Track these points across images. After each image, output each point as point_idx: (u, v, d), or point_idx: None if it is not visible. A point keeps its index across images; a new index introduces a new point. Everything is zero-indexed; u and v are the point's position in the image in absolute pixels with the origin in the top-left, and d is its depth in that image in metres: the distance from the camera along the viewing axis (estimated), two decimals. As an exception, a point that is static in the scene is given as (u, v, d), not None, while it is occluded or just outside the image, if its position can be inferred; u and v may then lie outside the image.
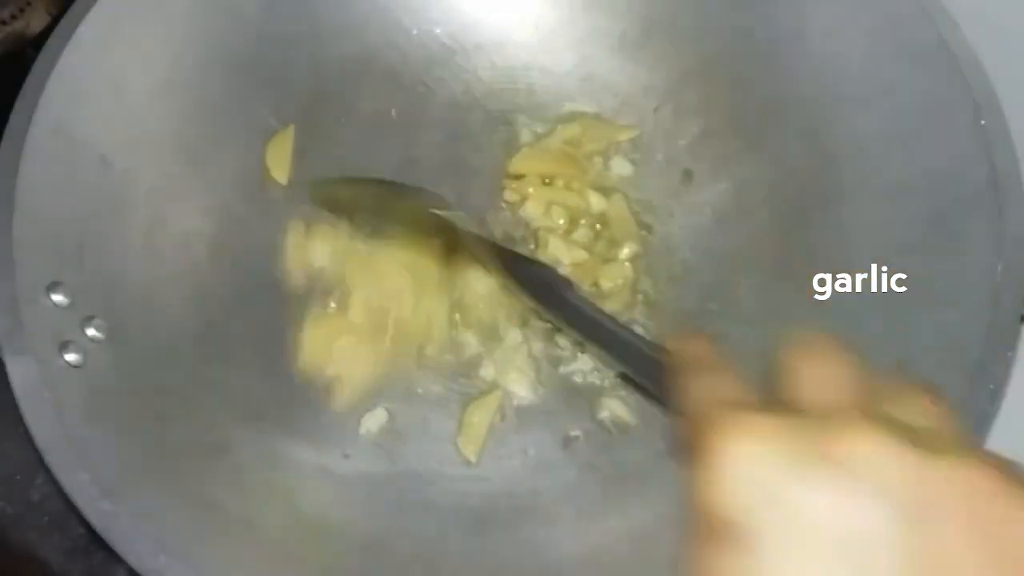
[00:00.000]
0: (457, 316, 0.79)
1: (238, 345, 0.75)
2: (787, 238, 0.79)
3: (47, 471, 0.59)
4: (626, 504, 0.71)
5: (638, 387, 0.60)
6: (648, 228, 0.83)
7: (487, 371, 0.78)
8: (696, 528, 0.38)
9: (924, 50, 0.70)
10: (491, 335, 0.79)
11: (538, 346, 0.79)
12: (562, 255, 0.81)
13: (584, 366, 0.78)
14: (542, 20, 0.87)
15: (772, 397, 0.42)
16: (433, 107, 0.87)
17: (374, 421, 0.76)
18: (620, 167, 0.85)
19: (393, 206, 0.78)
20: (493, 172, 0.85)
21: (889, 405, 0.39)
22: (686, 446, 0.41)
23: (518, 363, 0.77)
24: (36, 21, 0.85)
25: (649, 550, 0.67)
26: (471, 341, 0.78)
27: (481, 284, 0.78)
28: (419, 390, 0.77)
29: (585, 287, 0.79)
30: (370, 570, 0.67)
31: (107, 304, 0.68)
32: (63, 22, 0.70)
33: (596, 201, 0.83)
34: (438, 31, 0.88)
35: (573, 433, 0.76)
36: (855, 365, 0.43)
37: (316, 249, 0.79)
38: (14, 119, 0.67)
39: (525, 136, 0.85)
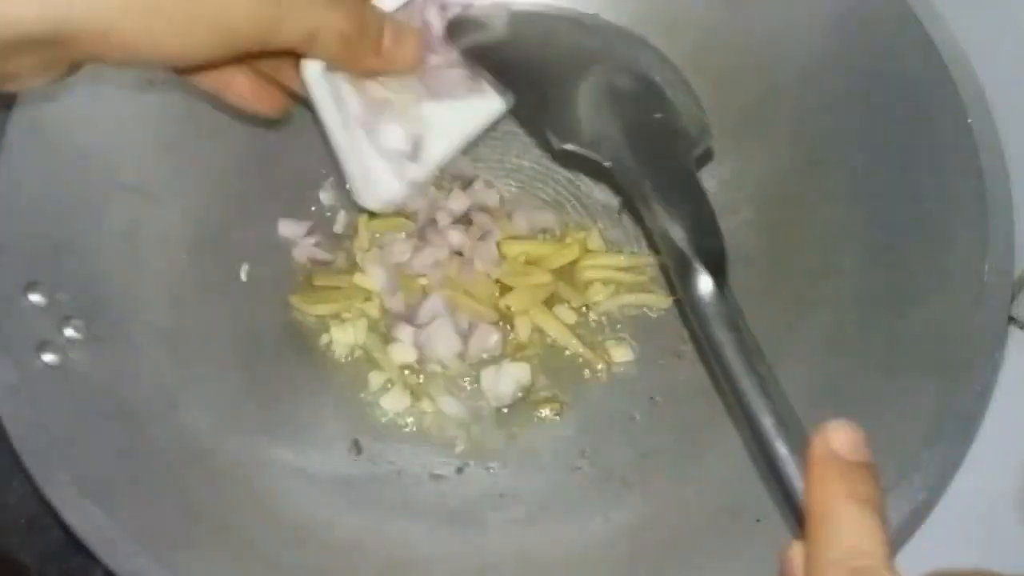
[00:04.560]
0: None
1: (217, 347, 0.75)
2: (773, 237, 0.78)
3: (24, 473, 0.59)
4: (609, 506, 0.71)
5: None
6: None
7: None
8: None
9: (911, 49, 0.70)
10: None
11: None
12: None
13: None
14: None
15: None
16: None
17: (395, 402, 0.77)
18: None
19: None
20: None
21: None
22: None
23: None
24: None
25: (631, 551, 0.67)
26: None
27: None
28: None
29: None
30: (350, 573, 0.67)
31: (85, 304, 0.68)
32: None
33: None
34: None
35: (557, 435, 0.76)
36: None
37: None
38: (-9, 118, 0.67)
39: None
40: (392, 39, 0.64)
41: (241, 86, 0.66)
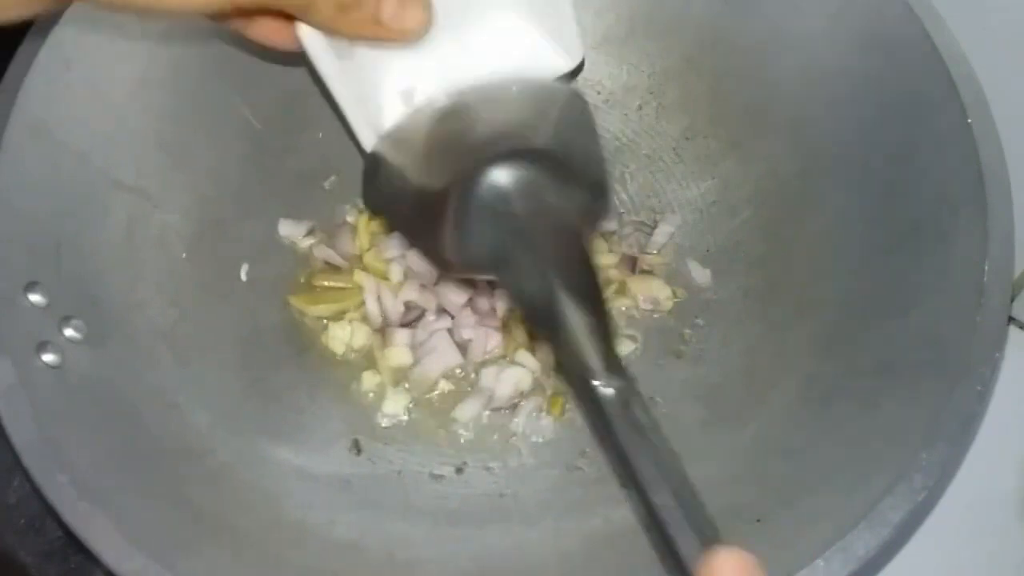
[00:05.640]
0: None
1: (217, 346, 0.75)
2: (771, 236, 0.79)
3: (24, 473, 0.59)
4: (609, 506, 0.70)
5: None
6: (633, 226, 0.83)
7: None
8: None
9: (910, 47, 0.70)
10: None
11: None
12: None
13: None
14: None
15: None
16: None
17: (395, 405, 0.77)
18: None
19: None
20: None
21: None
22: None
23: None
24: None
25: (628, 551, 0.67)
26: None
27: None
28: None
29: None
30: (350, 573, 0.66)
31: (85, 304, 0.67)
32: (40, 20, 0.69)
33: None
34: (422, 30, 0.87)
35: (557, 435, 0.76)
36: None
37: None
38: (-9, 118, 0.67)
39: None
40: (394, 6, 0.58)
41: (264, 23, 0.61)
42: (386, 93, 0.67)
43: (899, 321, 0.67)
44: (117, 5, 0.51)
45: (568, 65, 0.69)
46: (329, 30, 0.58)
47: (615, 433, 0.52)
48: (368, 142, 0.67)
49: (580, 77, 0.86)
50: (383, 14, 0.57)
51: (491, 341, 0.77)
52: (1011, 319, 0.83)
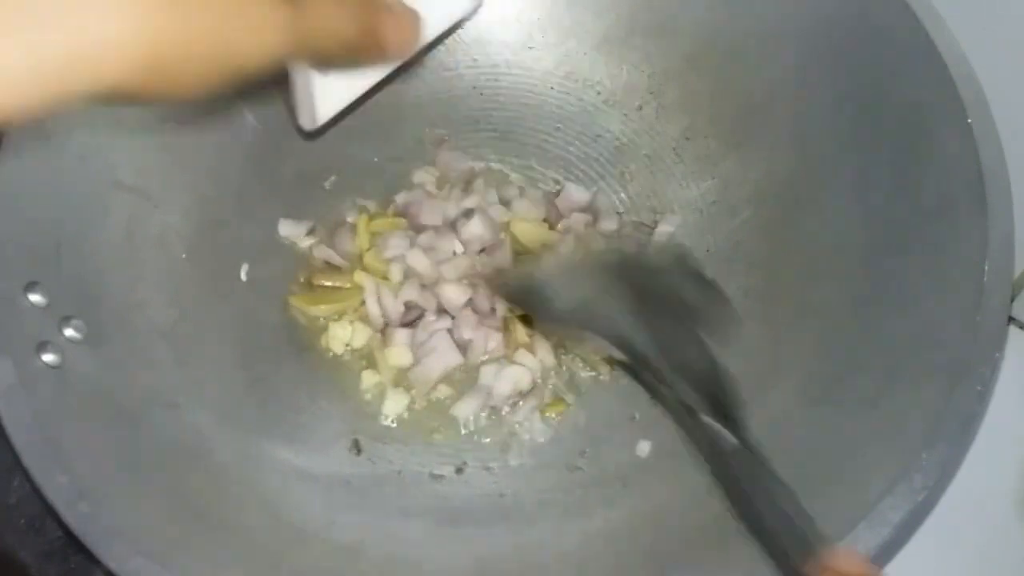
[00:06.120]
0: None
1: (217, 346, 0.75)
2: (773, 237, 0.78)
3: (24, 473, 0.59)
4: (609, 506, 0.71)
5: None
6: (633, 226, 0.83)
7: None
8: None
9: (911, 49, 0.70)
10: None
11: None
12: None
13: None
14: (525, 18, 0.87)
15: None
16: (413, 104, 0.87)
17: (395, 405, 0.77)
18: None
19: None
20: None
21: None
22: None
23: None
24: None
25: (631, 551, 0.67)
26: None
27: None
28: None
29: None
30: (350, 573, 0.66)
31: (85, 304, 0.67)
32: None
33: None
34: (421, 28, 0.87)
35: (557, 435, 0.75)
36: None
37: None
38: (-9, 119, 0.66)
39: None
40: (393, 33, 0.58)
41: None
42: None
43: (899, 321, 0.67)
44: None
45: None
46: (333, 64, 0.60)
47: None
48: (304, 119, 0.70)
49: (580, 77, 0.86)
50: (385, 42, 0.58)
51: (491, 341, 0.77)
52: (1011, 319, 0.83)
